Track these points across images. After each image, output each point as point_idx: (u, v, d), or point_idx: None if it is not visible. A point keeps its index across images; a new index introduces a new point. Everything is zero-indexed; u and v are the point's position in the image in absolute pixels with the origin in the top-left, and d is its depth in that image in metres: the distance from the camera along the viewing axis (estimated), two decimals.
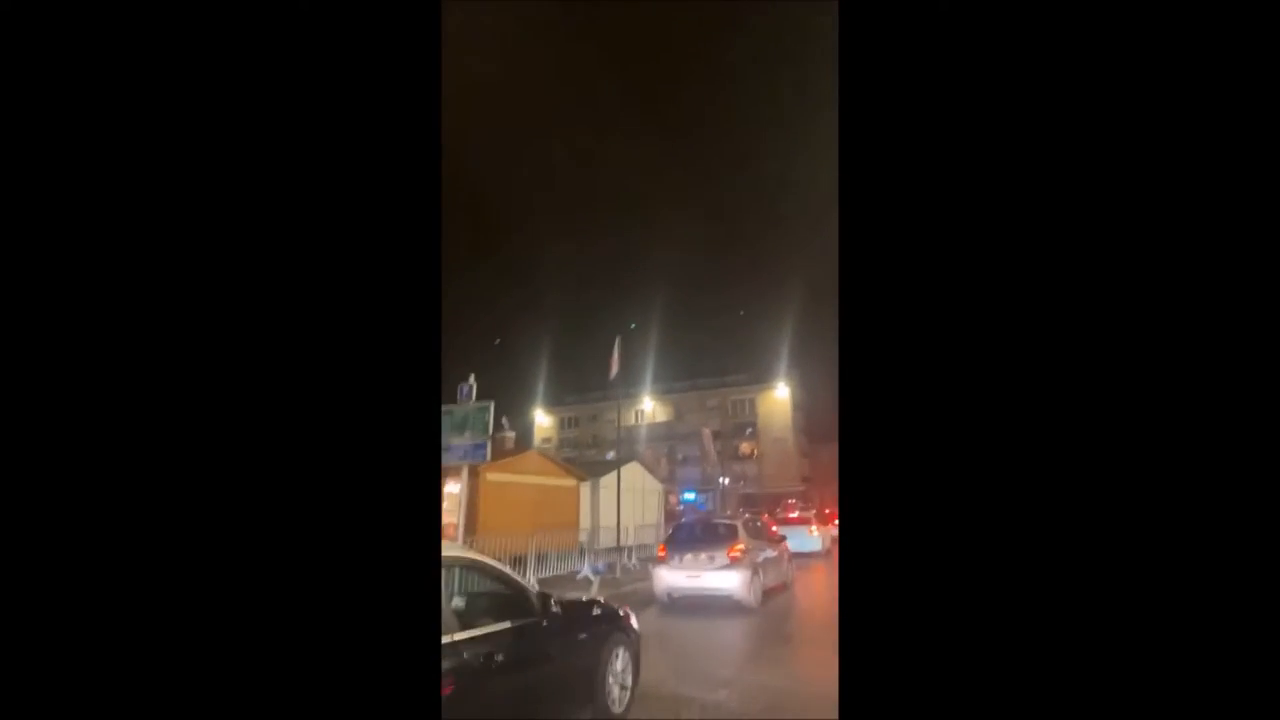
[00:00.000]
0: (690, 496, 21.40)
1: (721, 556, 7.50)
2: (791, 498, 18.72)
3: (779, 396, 36.85)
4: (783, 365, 36.37)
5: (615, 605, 3.86)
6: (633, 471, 15.10)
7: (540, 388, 44.96)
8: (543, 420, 44.90)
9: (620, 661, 3.53)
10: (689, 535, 8.22)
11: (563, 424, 43.80)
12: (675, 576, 7.62)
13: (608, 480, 12.48)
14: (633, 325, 11.52)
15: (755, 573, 7.61)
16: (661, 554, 8.02)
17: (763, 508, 17.52)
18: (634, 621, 3.84)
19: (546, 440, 41.40)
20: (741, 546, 7.63)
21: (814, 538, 13.82)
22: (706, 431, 19.43)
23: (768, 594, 8.08)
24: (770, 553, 8.70)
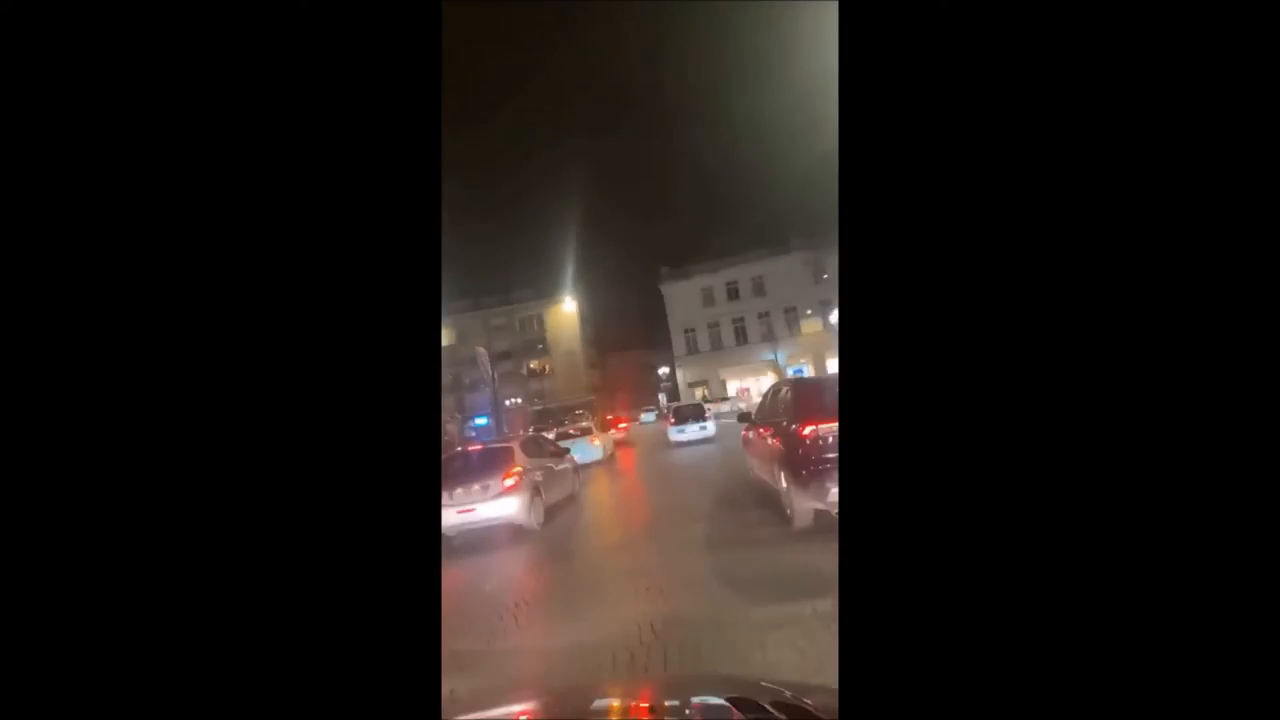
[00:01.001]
0: (483, 422, 20.34)
1: (496, 483, 6.79)
2: (580, 409, 18.80)
3: (566, 310, 36.69)
4: (568, 279, 36.03)
5: None
6: None
7: None
8: None
9: None
10: (462, 467, 7.32)
11: None
12: (447, 515, 6.75)
13: None
14: None
15: (535, 493, 7.07)
16: None
17: (555, 423, 17.29)
18: None
19: None
20: (518, 469, 6.99)
21: (595, 446, 13.81)
22: (481, 351, 18.26)
23: (553, 510, 7.66)
24: (555, 467, 8.24)
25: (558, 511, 7.78)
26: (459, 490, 6.79)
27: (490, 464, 7.06)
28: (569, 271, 36.13)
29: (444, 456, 7.49)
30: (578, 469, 9.36)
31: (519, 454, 7.24)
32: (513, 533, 6.72)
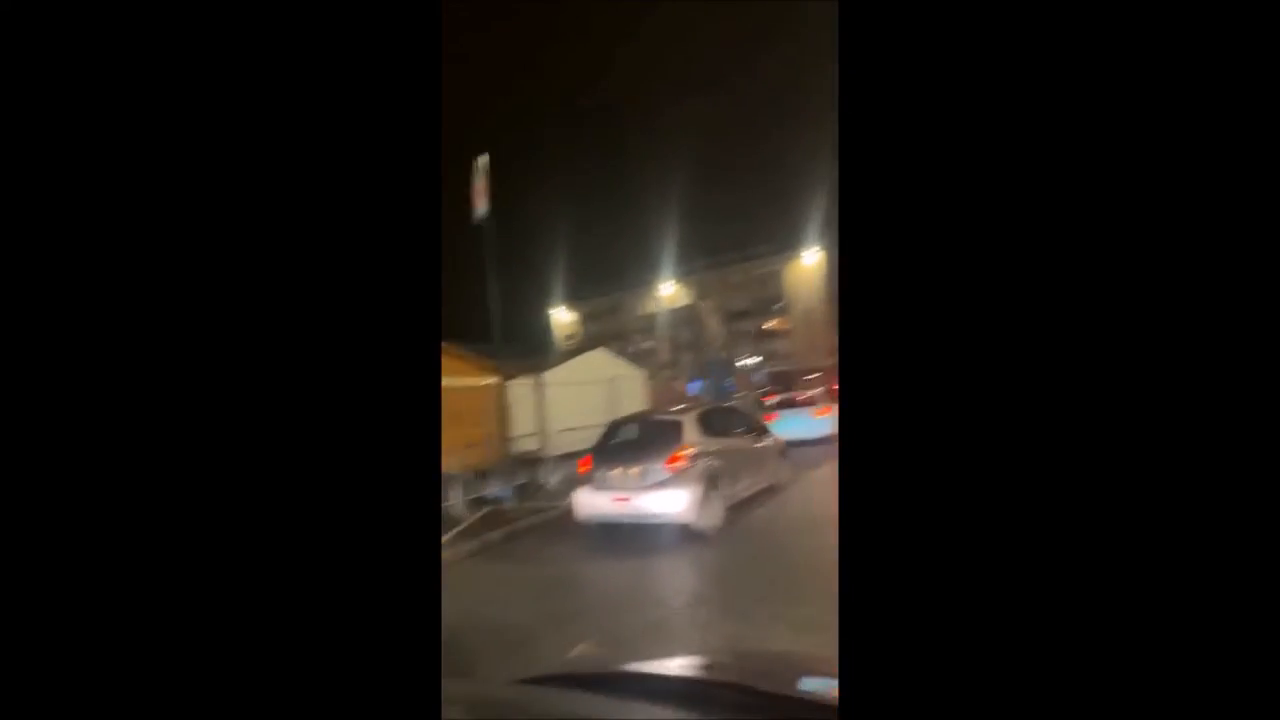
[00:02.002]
0: (696, 386, 19.11)
1: (657, 469, 5.17)
2: (814, 373, 16.13)
3: (807, 264, 33.45)
4: (813, 229, 32.61)
5: None
6: (595, 360, 12.69)
7: (554, 283, 42.83)
8: (563, 317, 43.08)
9: None
10: (625, 440, 5.87)
11: (585, 319, 41.80)
12: (598, 500, 5.38)
13: (556, 374, 10.18)
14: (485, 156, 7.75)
15: (711, 484, 5.29)
16: (583, 468, 5.73)
17: (784, 387, 15.03)
18: None
19: (570, 337, 39.61)
20: (688, 451, 5.26)
21: (820, 420, 11.00)
22: (705, 306, 16.79)
23: (743, 506, 5.80)
24: (748, 447, 6.32)
25: (750, 508, 5.90)
26: (615, 473, 5.36)
27: (655, 441, 5.49)
28: (814, 221, 32.63)
29: (607, 427, 6.10)
30: (785, 450, 7.27)
31: (691, 430, 5.52)
32: (679, 533, 5.06)
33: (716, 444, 5.73)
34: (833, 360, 24.88)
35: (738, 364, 26.61)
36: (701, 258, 36.32)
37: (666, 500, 5.04)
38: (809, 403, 11.32)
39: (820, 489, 6.92)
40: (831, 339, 32.69)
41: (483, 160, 7.24)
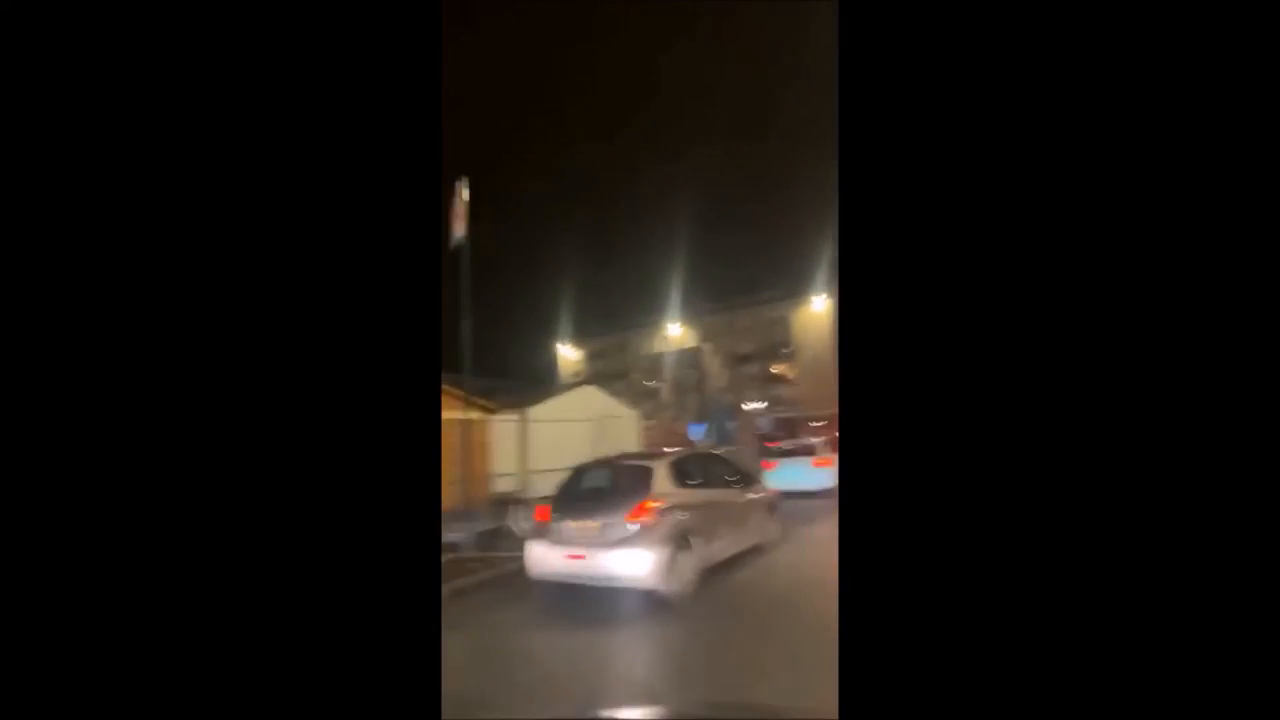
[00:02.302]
0: (698, 430, 18.54)
1: (618, 523, 4.59)
2: (817, 420, 15.44)
3: (816, 310, 33.05)
4: (822, 274, 32.33)
5: None
6: (585, 397, 12.09)
7: (561, 320, 42.76)
8: (569, 354, 42.79)
9: None
10: (591, 487, 5.29)
11: (590, 356, 41.46)
12: (551, 556, 4.79)
13: (542, 410, 9.62)
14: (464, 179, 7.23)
15: (682, 543, 4.70)
16: (540, 517, 5.14)
17: (789, 434, 14.37)
18: None
19: (575, 374, 39.19)
20: (656, 504, 4.67)
21: (818, 471, 10.18)
22: (708, 348, 16.42)
23: (722, 569, 5.18)
24: (730, 501, 5.72)
25: (730, 570, 5.27)
26: (571, 525, 4.77)
27: (623, 490, 4.91)
28: (822, 267, 32.36)
29: (572, 471, 5.53)
30: (777, 505, 6.65)
31: (662, 478, 4.94)
32: (643, 599, 4.45)
33: (693, 495, 5.16)
34: (834, 407, 24.23)
35: (743, 408, 25.95)
36: (709, 300, 36.12)
37: (627, 560, 4.45)
38: (808, 451, 10.59)
39: (814, 550, 6.29)
40: (834, 386, 31.92)
41: (463, 183, 6.91)
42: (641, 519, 4.59)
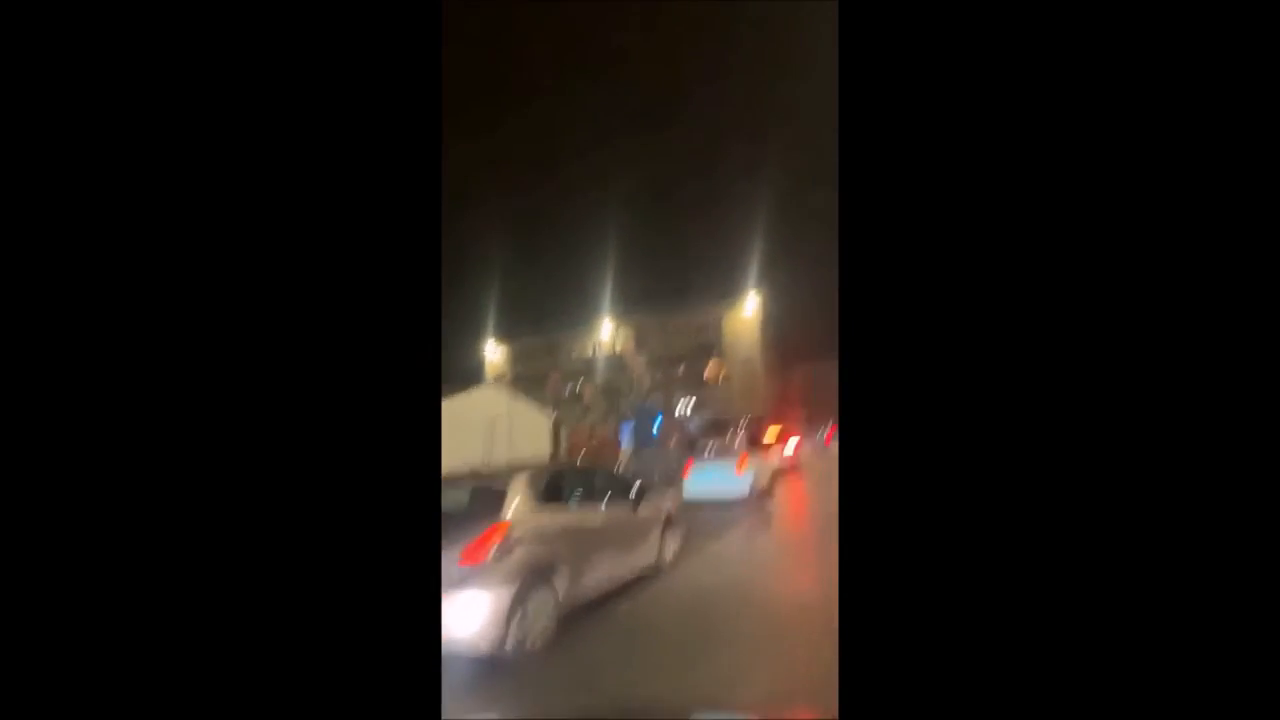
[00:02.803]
0: (625, 432, 17.62)
1: (450, 564, 3.44)
2: (733, 422, 14.71)
3: (746, 315, 32.82)
4: (751, 277, 32.14)
5: None
6: (483, 398, 10.88)
7: (490, 317, 40.96)
8: (493, 355, 40.95)
9: None
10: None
11: (516, 357, 39.78)
12: None
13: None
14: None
15: (537, 581, 3.62)
16: None
17: (717, 436, 13.53)
18: None
19: (499, 377, 37.43)
20: (497, 538, 3.57)
21: (737, 477, 9.31)
22: (631, 349, 15.69)
23: (598, 607, 4.14)
24: (618, 519, 4.68)
25: (609, 608, 4.21)
26: None
27: (473, 516, 3.76)
28: (753, 268, 32.17)
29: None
30: (674, 518, 5.65)
31: (520, 500, 3.82)
32: (472, 667, 3.33)
33: (559, 519, 4.08)
34: (765, 410, 23.81)
35: (670, 410, 25.23)
36: (639, 301, 35.34)
37: (462, 616, 3.29)
38: (724, 452, 9.75)
39: (716, 568, 5.33)
40: (767, 387, 31.95)
41: None
42: (478, 555, 3.48)
